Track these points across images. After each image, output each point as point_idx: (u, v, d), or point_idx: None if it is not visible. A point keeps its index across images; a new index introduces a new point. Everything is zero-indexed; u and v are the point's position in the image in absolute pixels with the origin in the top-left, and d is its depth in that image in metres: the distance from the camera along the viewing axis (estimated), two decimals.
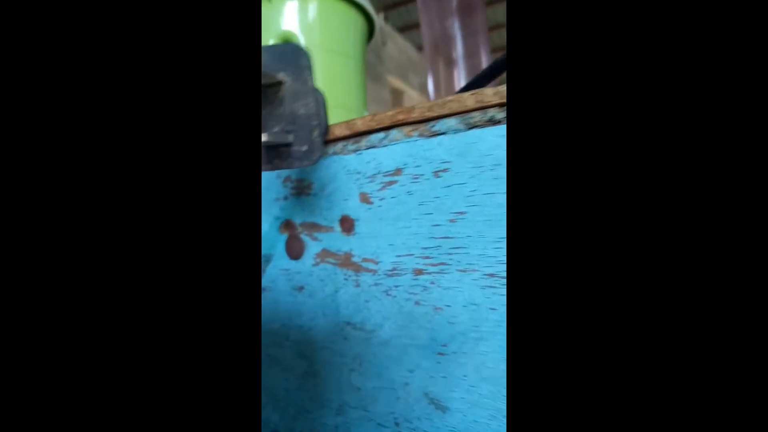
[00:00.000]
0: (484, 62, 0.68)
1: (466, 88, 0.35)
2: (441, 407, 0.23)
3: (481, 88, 0.20)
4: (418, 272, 0.23)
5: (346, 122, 0.26)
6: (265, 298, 0.32)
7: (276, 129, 0.17)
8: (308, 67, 0.18)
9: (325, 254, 0.28)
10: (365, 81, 0.60)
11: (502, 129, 0.20)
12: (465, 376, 0.22)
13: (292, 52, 0.17)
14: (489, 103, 0.20)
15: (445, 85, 0.70)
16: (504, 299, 0.20)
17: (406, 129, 0.23)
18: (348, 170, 0.26)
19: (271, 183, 0.31)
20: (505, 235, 0.20)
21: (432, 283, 0.23)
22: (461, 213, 0.21)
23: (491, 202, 0.21)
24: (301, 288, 0.29)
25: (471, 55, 0.68)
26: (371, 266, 0.25)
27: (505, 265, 0.20)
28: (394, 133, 0.24)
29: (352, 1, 0.53)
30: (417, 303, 0.23)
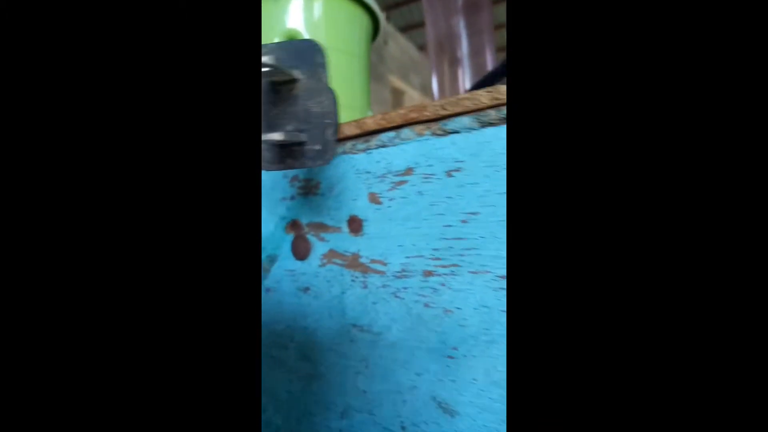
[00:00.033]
0: (489, 61, 0.67)
1: (477, 86, 0.35)
2: (449, 411, 0.23)
3: (496, 86, 0.20)
4: (428, 274, 0.23)
5: (356, 121, 0.25)
6: (270, 298, 0.32)
7: (289, 127, 0.16)
8: (323, 65, 0.17)
9: (332, 255, 0.27)
10: (369, 80, 0.59)
11: None
12: (475, 379, 0.21)
13: (308, 49, 0.17)
14: (504, 101, 0.20)
15: (449, 85, 0.69)
16: None
17: (418, 127, 0.23)
18: (357, 170, 0.25)
19: (278, 182, 0.31)
20: None
21: (442, 284, 0.22)
22: (474, 213, 0.21)
23: (506, 202, 0.20)
24: (306, 289, 0.29)
25: (476, 54, 0.68)
26: (379, 267, 0.25)
27: None
28: (406, 131, 0.23)
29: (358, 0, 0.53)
30: (426, 305, 0.23)
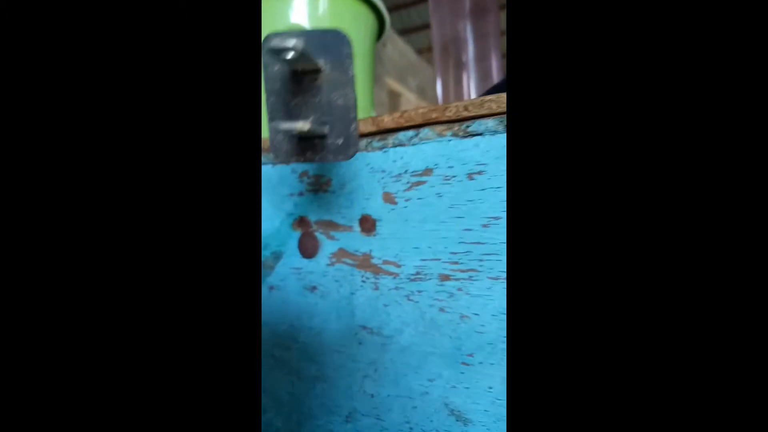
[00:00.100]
0: (495, 66, 0.67)
1: (492, 90, 0.34)
2: (462, 419, 0.22)
3: None
4: (445, 278, 0.22)
5: (372, 118, 0.25)
6: (273, 297, 0.31)
7: (311, 119, 0.16)
8: (350, 56, 0.17)
9: (341, 254, 0.27)
10: (373, 81, 0.59)
11: None
12: (491, 388, 0.21)
13: (334, 38, 0.16)
14: None
15: (454, 88, 0.69)
16: None
17: (439, 128, 0.22)
18: (372, 168, 0.25)
19: (286, 177, 0.30)
20: None
21: (459, 289, 0.22)
22: (496, 218, 0.21)
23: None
24: (313, 288, 0.28)
25: (481, 58, 0.68)
26: (392, 269, 0.24)
27: None
28: (425, 131, 0.23)
29: None
30: (441, 310, 0.22)
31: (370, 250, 0.25)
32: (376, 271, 0.25)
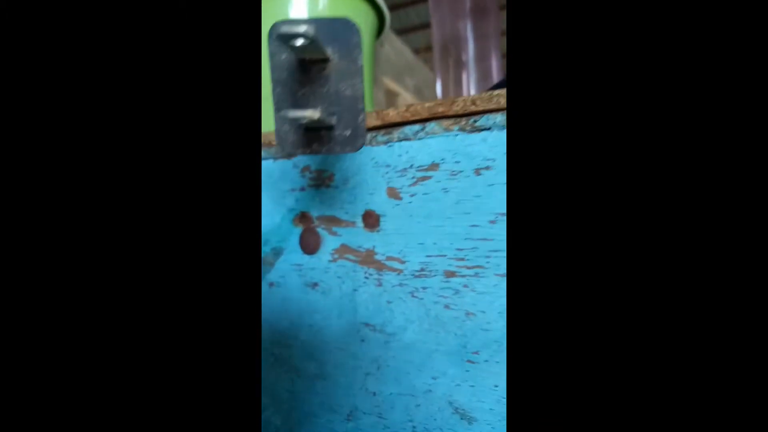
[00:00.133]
0: (494, 66, 0.67)
1: (499, 86, 0.34)
2: (467, 417, 0.22)
3: None
4: (450, 274, 0.22)
5: (377, 112, 0.24)
6: (273, 294, 0.30)
7: (318, 110, 0.15)
8: (359, 45, 0.16)
9: (344, 250, 0.26)
10: (373, 78, 0.58)
11: None
12: (496, 386, 0.21)
13: (343, 27, 0.16)
14: None
15: (453, 87, 0.69)
16: None
17: (446, 122, 0.22)
18: (376, 162, 0.25)
19: (287, 172, 0.29)
20: None
21: (465, 286, 0.22)
22: (504, 214, 0.20)
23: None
24: (314, 285, 0.28)
25: (481, 58, 0.68)
26: (396, 265, 0.24)
27: None
28: (432, 125, 0.22)
29: None
30: (446, 307, 0.22)
31: (374, 246, 0.25)
32: (380, 267, 0.25)
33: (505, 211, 0.20)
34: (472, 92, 0.66)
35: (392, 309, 0.24)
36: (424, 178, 0.23)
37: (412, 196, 0.23)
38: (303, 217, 0.29)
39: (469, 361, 0.21)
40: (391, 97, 3.92)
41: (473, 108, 0.21)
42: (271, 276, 0.30)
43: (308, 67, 0.17)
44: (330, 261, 0.27)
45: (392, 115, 0.24)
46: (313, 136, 0.17)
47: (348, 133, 0.17)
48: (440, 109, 0.22)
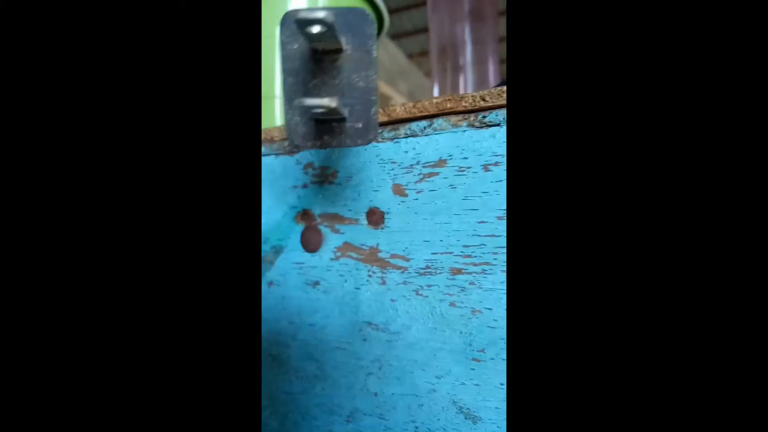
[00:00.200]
0: (491, 71, 0.68)
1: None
2: (471, 417, 0.21)
3: None
4: (456, 272, 0.22)
5: (383, 107, 0.24)
6: (272, 293, 0.30)
7: (335, 98, 0.15)
8: (373, 36, 0.16)
9: (347, 248, 0.26)
10: None
11: None
12: (502, 384, 0.21)
13: (358, 17, 0.16)
14: None
15: (450, 91, 0.69)
16: None
17: (454, 118, 0.22)
18: (381, 159, 0.24)
19: (290, 169, 0.29)
20: None
21: (471, 283, 0.21)
22: None
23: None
24: (315, 283, 0.27)
25: (479, 62, 0.68)
26: (401, 263, 0.24)
27: None
28: (440, 121, 0.22)
29: None
30: (452, 304, 0.22)
31: (378, 244, 0.25)
32: (384, 265, 0.24)
33: None
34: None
35: (396, 307, 0.24)
36: (430, 175, 0.23)
37: (418, 192, 0.23)
38: (305, 215, 0.28)
39: (474, 359, 0.21)
40: (384, 101, 3.94)
41: (482, 104, 0.21)
42: (270, 275, 0.30)
43: (320, 57, 0.16)
44: (332, 259, 0.27)
45: (399, 110, 0.23)
46: (323, 129, 0.17)
47: (360, 125, 0.17)
48: (449, 105, 0.22)
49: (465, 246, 0.21)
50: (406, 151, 0.23)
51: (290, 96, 0.17)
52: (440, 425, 0.22)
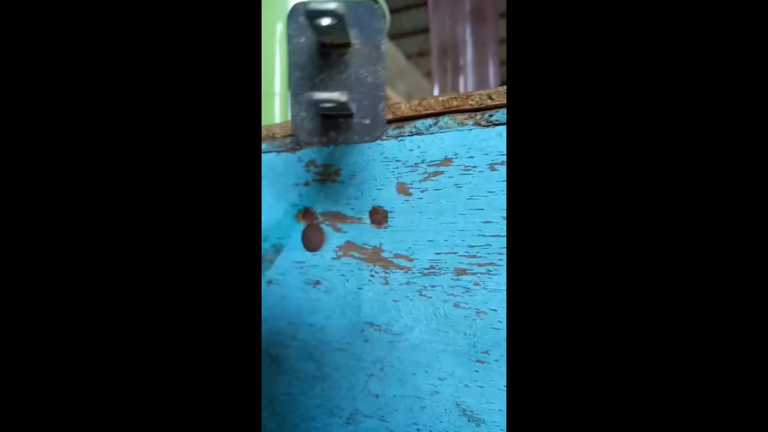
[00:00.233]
0: (492, 72, 0.68)
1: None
2: (475, 419, 0.21)
3: None
4: (461, 272, 0.22)
5: (388, 105, 0.24)
6: (271, 292, 0.29)
7: (345, 92, 0.15)
8: (381, 31, 0.16)
9: (349, 247, 0.26)
10: None
11: None
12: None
13: (366, 11, 0.15)
14: None
15: (450, 91, 0.69)
16: None
17: (460, 116, 0.22)
18: (385, 157, 0.24)
19: (291, 166, 0.28)
20: None
21: (476, 284, 0.21)
22: None
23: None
24: (316, 283, 0.27)
25: (479, 63, 0.68)
26: (404, 263, 0.23)
27: None
28: (445, 120, 0.22)
29: None
30: (456, 305, 0.22)
31: (381, 243, 0.24)
32: (387, 265, 0.24)
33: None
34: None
35: (399, 308, 0.23)
36: (435, 173, 0.22)
37: (422, 191, 0.23)
38: (306, 213, 0.28)
39: (478, 361, 0.21)
40: None
41: (489, 102, 0.21)
42: (269, 274, 0.29)
43: (328, 51, 0.16)
44: (333, 258, 0.26)
45: (404, 108, 0.23)
46: (330, 124, 0.17)
47: (367, 121, 0.16)
48: (455, 103, 0.22)
49: (470, 246, 0.21)
50: (411, 150, 0.23)
51: (297, 91, 0.16)
52: (443, 428, 0.22)
